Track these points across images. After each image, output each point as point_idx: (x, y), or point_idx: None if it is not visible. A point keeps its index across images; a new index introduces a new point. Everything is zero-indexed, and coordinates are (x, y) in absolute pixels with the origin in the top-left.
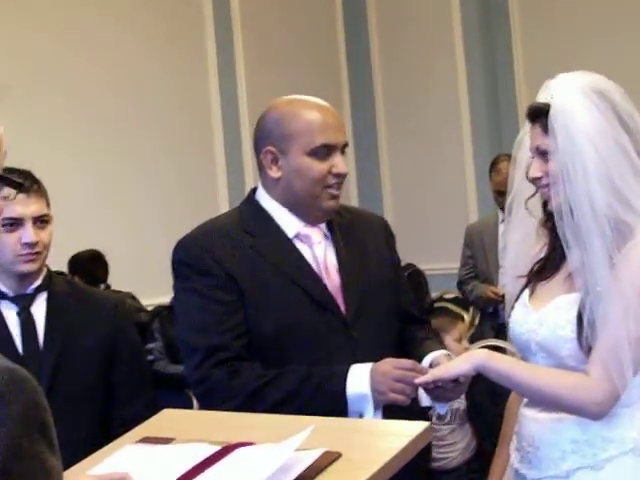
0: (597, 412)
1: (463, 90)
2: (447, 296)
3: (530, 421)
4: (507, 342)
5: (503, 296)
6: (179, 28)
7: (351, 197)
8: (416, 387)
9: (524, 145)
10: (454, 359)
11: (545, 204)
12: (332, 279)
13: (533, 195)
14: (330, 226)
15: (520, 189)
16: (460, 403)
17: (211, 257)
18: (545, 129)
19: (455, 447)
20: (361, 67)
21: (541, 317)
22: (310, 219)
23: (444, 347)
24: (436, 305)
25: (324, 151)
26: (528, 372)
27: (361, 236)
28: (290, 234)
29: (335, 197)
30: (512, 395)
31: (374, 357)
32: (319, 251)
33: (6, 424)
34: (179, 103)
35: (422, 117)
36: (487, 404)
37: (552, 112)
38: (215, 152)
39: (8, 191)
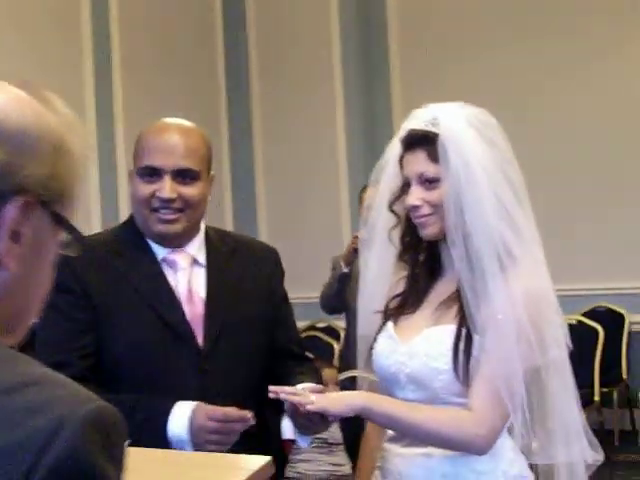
0: (483, 445)
1: (341, 127)
2: (319, 325)
3: (395, 456)
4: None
5: None
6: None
7: (226, 224)
8: (236, 434)
9: (386, 173)
10: (331, 396)
11: (403, 236)
12: (194, 307)
13: (396, 225)
14: (208, 253)
15: (379, 219)
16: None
17: (73, 274)
18: (432, 156)
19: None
20: (239, 98)
21: (411, 349)
22: (162, 243)
23: (319, 383)
24: (306, 334)
25: (148, 172)
26: (412, 413)
27: (241, 266)
28: (159, 257)
29: (165, 221)
30: (369, 427)
31: (226, 391)
32: (182, 278)
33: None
34: None
35: (301, 152)
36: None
37: (442, 139)
38: (90, 175)
39: None
